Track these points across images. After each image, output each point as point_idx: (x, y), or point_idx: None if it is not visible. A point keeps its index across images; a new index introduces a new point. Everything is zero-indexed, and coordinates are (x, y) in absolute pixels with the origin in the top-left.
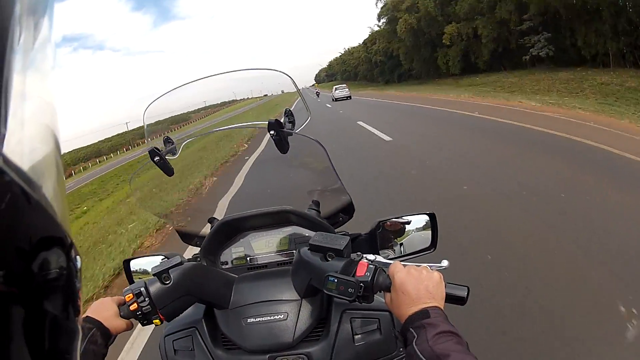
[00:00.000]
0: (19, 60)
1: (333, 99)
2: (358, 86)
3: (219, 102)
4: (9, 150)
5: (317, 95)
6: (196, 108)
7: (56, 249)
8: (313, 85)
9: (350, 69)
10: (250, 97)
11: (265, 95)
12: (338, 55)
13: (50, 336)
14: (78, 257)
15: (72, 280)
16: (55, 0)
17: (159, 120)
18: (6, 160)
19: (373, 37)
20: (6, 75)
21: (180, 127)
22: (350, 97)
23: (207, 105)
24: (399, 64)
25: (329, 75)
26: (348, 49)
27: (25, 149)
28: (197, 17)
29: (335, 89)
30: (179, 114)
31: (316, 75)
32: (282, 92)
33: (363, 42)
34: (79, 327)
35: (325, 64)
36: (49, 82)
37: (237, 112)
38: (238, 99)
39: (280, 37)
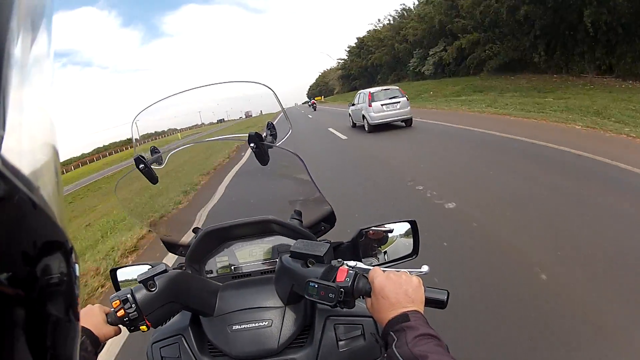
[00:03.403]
0: (17, 64)
1: (365, 123)
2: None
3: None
4: (8, 152)
5: (314, 108)
6: (174, 127)
7: (58, 254)
8: (306, 102)
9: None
10: (204, 124)
11: (221, 120)
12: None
13: (52, 339)
14: (77, 264)
15: (72, 286)
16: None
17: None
18: (5, 163)
19: None
20: (4, 77)
21: (165, 137)
22: (411, 119)
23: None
24: None
25: (346, 77)
26: None
27: (24, 151)
28: (184, 34)
29: (373, 98)
30: (160, 130)
31: (311, 86)
32: (261, 112)
33: None
34: (79, 332)
35: (339, 58)
36: (47, 92)
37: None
38: (178, 128)
39: (268, 56)
